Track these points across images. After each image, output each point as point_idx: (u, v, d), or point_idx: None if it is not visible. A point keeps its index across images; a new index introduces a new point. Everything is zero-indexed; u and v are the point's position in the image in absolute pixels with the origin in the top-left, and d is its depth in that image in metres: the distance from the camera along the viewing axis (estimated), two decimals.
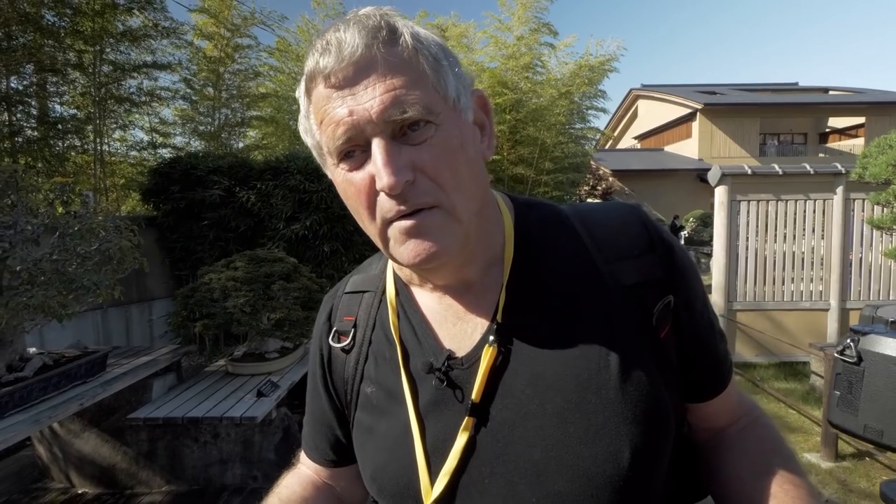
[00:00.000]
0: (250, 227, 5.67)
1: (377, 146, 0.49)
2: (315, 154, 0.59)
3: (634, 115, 30.25)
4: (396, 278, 0.69)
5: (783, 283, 6.17)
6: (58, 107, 6.23)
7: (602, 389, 0.55)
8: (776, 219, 6.12)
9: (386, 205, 0.51)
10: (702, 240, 16.09)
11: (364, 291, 0.72)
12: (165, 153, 7.72)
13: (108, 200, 6.62)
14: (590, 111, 10.32)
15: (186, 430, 3.25)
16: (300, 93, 0.55)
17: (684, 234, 17.05)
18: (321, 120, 0.52)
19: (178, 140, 7.90)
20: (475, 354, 0.58)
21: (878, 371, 0.49)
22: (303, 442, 0.80)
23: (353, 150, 0.52)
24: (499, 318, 0.59)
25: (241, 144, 8.97)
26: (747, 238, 6.16)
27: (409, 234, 0.52)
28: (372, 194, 0.52)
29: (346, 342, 0.69)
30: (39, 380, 2.65)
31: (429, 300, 0.65)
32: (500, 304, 0.59)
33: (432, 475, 0.58)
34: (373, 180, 0.51)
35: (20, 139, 5.66)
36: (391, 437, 0.63)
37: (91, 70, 6.28)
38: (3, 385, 2.50)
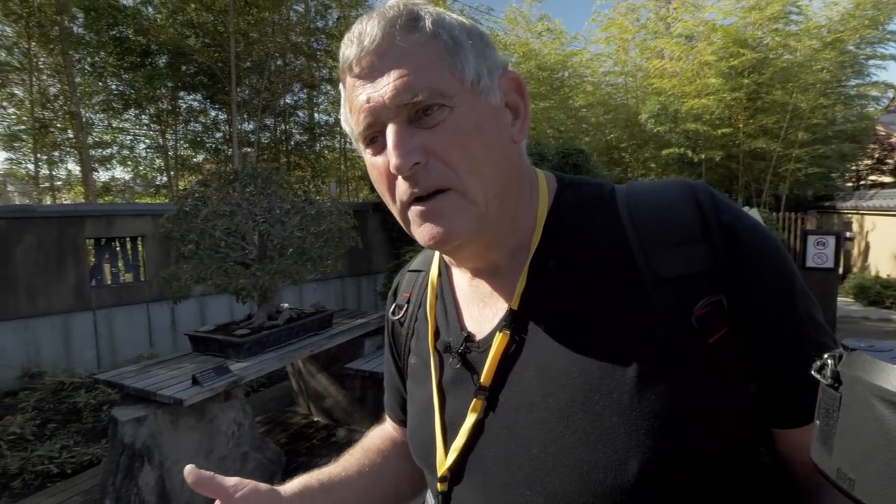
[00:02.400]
0: None
1: (389, 130, 0.51)
2: (353, 141, 0.63)
3: None
4: (441, 259, 0.71)
5: None
6: (316, 115, 7.83)
7: (613, 392, 0.49)
8: None
9: (401, 187, 0.53)
10: None
11: (420, 270, 0.76)
12: None
13: (348, 190, 8.06)
14: (872, 61, 7.91)
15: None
16: (341, 84, 0.60)
17: None
18: (350, 108, 0.55)
19: None
20: (490, 339, 0.58)
21: (857, 400, 0.32)
22: (384, 401, 0.89)
23: (376, 136, 0.54)
24: (514, 304, 0.57)
25: None
26: None
27: (423, 217, 0.53)
28: (391, 178, 0.54)
29: (399, 315, 0.75)
30: (287, 328, 3.45)
31: (462, 281, 0.66)
32: (518, 290, 0.57)
33: (447, 448, 0.60)
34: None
35: (292, 143, 7.31)
36: (421, 406, 0.66)
37: (337, 82, 7.67)
38: (265, 329, 3.34)
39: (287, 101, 7.42)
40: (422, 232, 0.54)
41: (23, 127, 6.62)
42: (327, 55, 7.96)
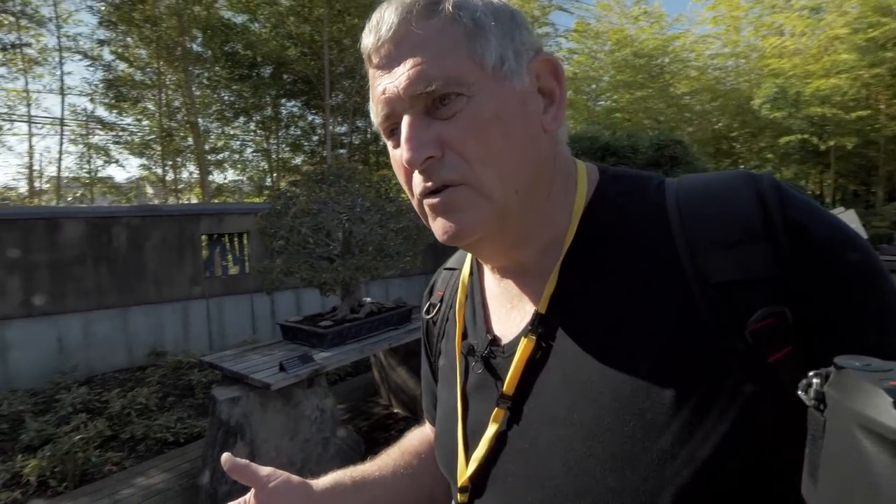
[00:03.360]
0: None
1: (403, 122, 0.49)
2: (378, 132, 0.60)
3: None
4: (473, 257, 0.67)
5: None
6: None
7: (647, 412, 0.43)
8: None
9: (416, 180, 0.51)
10: None
11: (455, 268, 0.73)
12: None
13: None
14: None
15: None
16: None
17: None
18: (372, 98, 0.53)
19: None
20: (515, 344, 0.54)
21: (839, 427, 0.22)
22: (422, 402, 0.87)
23: (395, 127, 0.51)
24: (542, 307, 0.52)
25: None
26: None
27: (437, 211, 0.50)
28: (408, 170, 0.51)
29: (432, 315, 0.72)
30: (368, 321, 3.58)
31: (491, 282, 0.62)
32: (547, 292, 0.52)
33: (468, 457, 0.56)
34: None
35: (380, 143, 7.61)
36: (446, 411, 0.63)
37: None
38: (347, 321, 3.50)
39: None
40: (436, 226, 0.51)
41: (153, 136, 7.64)
42: None
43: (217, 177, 8.72)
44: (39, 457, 3.24)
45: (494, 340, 0.57)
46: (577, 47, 10.09)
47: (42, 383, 4.52)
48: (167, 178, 8.30)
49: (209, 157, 8.14)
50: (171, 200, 8.41)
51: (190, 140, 7.89)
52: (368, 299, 3.97)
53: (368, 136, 9.38)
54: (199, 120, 7.69)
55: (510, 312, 0.58)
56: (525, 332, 0.52)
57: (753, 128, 11.97)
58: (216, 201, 7.76)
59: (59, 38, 7.48)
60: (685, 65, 12.33)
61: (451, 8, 0.48)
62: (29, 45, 7.46)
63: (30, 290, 4.68)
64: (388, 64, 0.49)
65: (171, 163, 8.11)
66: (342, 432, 3.37)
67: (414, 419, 4.10)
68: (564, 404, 0.48)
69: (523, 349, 0.52)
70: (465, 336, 0.63)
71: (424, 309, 0.75)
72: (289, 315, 5.73)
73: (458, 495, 0.57)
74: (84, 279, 4.98)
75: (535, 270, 0.54)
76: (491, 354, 0.57)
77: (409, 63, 0.47)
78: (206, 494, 2.77)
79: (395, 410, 4.34)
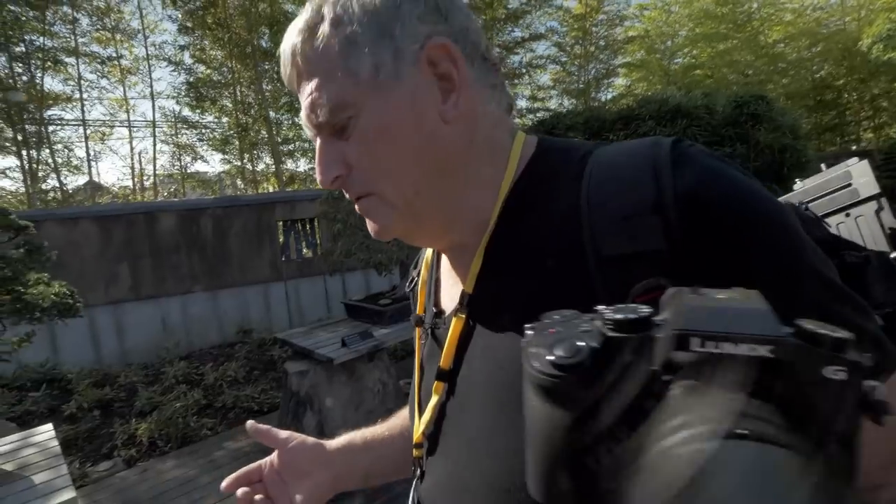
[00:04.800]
0: None
1: (316, 145, 0.53)
2: None
3: None
4: None
5: None
6: None
7: None
8: None
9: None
10: None
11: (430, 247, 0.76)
12: (541, 116, 8.70)
13: None
14: None
15: None
16: None
17: None
18: None
19: (553, 102, 8.84)
20: (450, 319, 0.57)
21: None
22: None
23: None
24: (468, 287, 0.54)
25: (608, 96, 9.10)
26: None
27: (362, 213, 0.56)
28: None
29: (410, 287, 0.76)
30: None
31: (444, 259, 0.65)
32: (472, 272, 0.54)
33: (420, 418, 0.61)
34: None
35: None
36: (412, 377, 0.68)
37: None
38: (407, 299, 3.62)
39: None
40: (367, 225, 0.57)
41: (231, 132, 8.25)
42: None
43: (289, 165, 9.27)
44: (149, 421, 3.73)
45: (439, 313, 0.61)
46: (649, 2, 9.34)
47: (150, 358, 5.15)
48: (246, 169, 8.95)
49: (282, 148, 8.65)
50: (250, 191, 9.07)
51: (264, 133, 8.42)
52: None
53: None
54: (271, 113, 8.17)
55: (454, 287, 0.60)
56: (455, 311, 0.55)
57: (863, 73, 10.48)
58: (289, 189, 8.27)
59: (146, 47, 8.27)
60: (778, 8, 10.99)
61: (327, 28, 0.48)
62: (123, 56, 8.30)
63: (137, 276, 5.31)
64: (297, 89, 0.53)
65: (248, 155, 8.72)
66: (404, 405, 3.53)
67: None
68: (483, 375, 0.51)
69: (454, 327, 0.55)
70: (424, 308, 0.66)
71: (408, 281, 0.79)
72: (358, 293, 6.02)
73: (414, 450, 0.62)
74: (180, 266, 5.56)
75: (471, 248, 0.56)
76: (435, 326, 0.60)
77: (305, 92, 0.51)
78: None
79: None
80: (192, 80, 7.88)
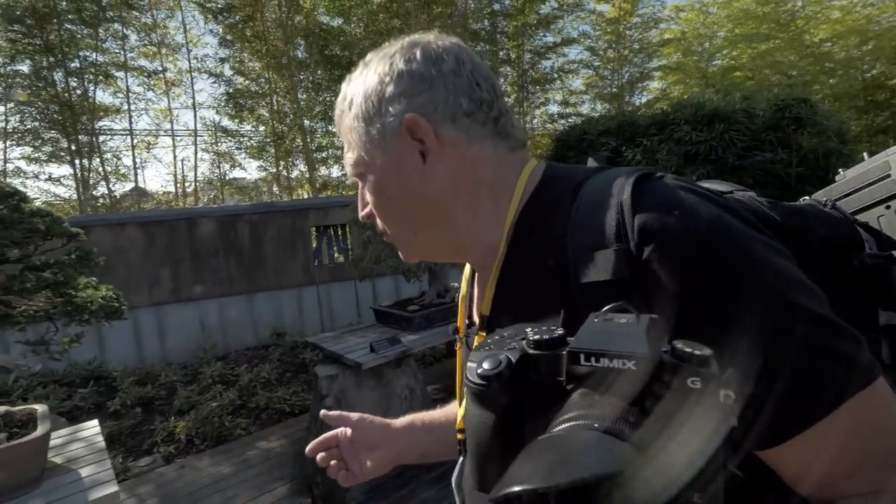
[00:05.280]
0: None
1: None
2: None
3: None
4: None
5: None
6: None
7: None
8: None
9: None
10: None
11: None
12: (573, 121, 8.61)
13: None
14: None
15: None
16: None
17: None
18: None
19: (586, 107, 8.76)
20: (475, 334, 0.65)
21: None
22: None
23: None
24: (485, 309, 0.61)
25: (642, 99, 8.95)
26: None
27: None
28: None
29: (455, 296, 0.83)
30: (453, 305, 3.68)
31: (477, 274, 0.73)
32: (488, 294, 0.61)
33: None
34: None
35: None
36: (453, 377, 0.78)
37: (516, 61, 7.73)
38: (433, 306, 3.64)
39: None
40: None
41: (268, 140, 8.52)
42: (506, 37, 8.05)
43: (322, 172, 9.50)
44: (187, 419, 3.87)
45: (472, 325, 0.69)
46: (685, 3, 9.11)
47: (189, 358, 5.35)
48: (281, 176, 9.20)
49: (315, 155, 8.87)
50: (285, 197, 9.32)
51: (298, 141, 8.65)
52: (455, 284, 4.07)
53: None
54: (306, 121, 8.40)
55: (480, 301, 0.67)
56: (476, 330, 0.63)
57: None
58: (322, 196, 8.47)
59: (189, 60, 8.66)
60: (824, 6, 10.52)
61: (345, 108, 0.64)
62: (168, 69, 8.70)
63: (178, 279, 5.54)
64: None
65: (283, 163, 8.98)
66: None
67: None
68: None
69: (475, 344, 0.59)
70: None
71: (454, 289, 0.86)
72: (388, 298, 6.09)
73: (458, 434, 0.68)
74: (218, 270, 5.76)
75: (490, 267, 0.63)
76: (468, 336, 0.69)
77: (343, 153, 0.67)
78: (311, 460, 3.10)
79: None
80: (231, 90, 8.21)
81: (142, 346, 5.33)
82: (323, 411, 0.85)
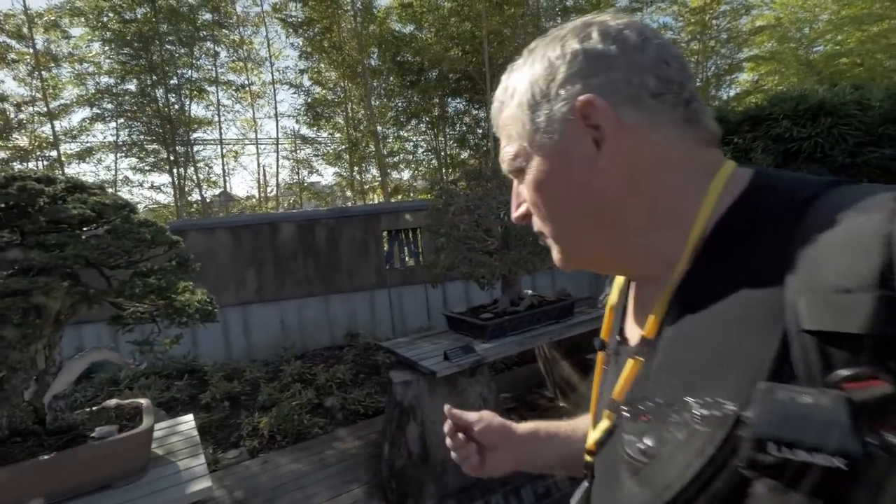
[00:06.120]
0: None
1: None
2: None
3: None
4: None
5: None
6: None
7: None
8: None
9: None
10: None
11: None
12: None
13: None
14: None
15: None
16: None
17: None
18: None
19: None
20: (627, 355, 0.57)
21: None
22: None
23: None
24: (648, 332, 0.53)
25: (730, 93, 8.25)
26: None
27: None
28: None
29: (605, 301, 0.76)
30: (528, 314, 3.59)
31: (633, 285, 0.65)
32: (656, 315, 0.52)
33: (595, 427, 0.63)
34: None
35: None
36: (587, 389, 0.69)
37: None
38: (507, 314, 3.56)
39: None
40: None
41: (343, 147, 8.86)
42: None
43: (394, 176, 9.73)
44: (269, 416, 4.07)
45: (624, 341, 0.62)
46: None
47: (271, 356, 5.64)
48: (355, 181, 9.53)
49: (388, 160, 9.09)
50: (358, 201, 9.63)
51: (371, 146, 8.91)
52: (529, 292, 3.97)
53: None
54: (378, 127, 8.63)
55: (638, 317, 0.60)
56: (633, 352, 0.55)
57: None
58: (394, 200, 8.66)
59: (272, 73, 9.24)
60: None
61: (507, 99, 0.59)
62: (253, 83, 9.31)
63: (261, 280, 5.87)
64: None
65: (357, 168, 9.29)
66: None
67: (577, 413, 3.99)
68: None
69: (630, 368, 0.55)
70: (611, 330, 0.68)
71: (603, 293, 0.78)
72: (458, 304, 6.08)
73: (587, 456, 0.64)
74: (297, 272, 6.04)
75: (660, 283, 0.54)
76: (617, 353, 0.62)
77: (500, 147, 0.61)
78: (386, 464, 3.13)
79: (562, 404, 4.27)
80: (309, 100, 8.62)
81: (230, 343, 5.70)
82: (447, 406, 0.85)
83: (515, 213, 0.62)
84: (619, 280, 0.69)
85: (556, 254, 0.60)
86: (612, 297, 0.68)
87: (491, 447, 0.81)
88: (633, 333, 0.60)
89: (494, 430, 0.81)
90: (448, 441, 0.83)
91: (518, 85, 0.57)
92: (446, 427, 0.83)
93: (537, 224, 0.60)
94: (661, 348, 0.50)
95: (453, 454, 0.83)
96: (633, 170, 0.51)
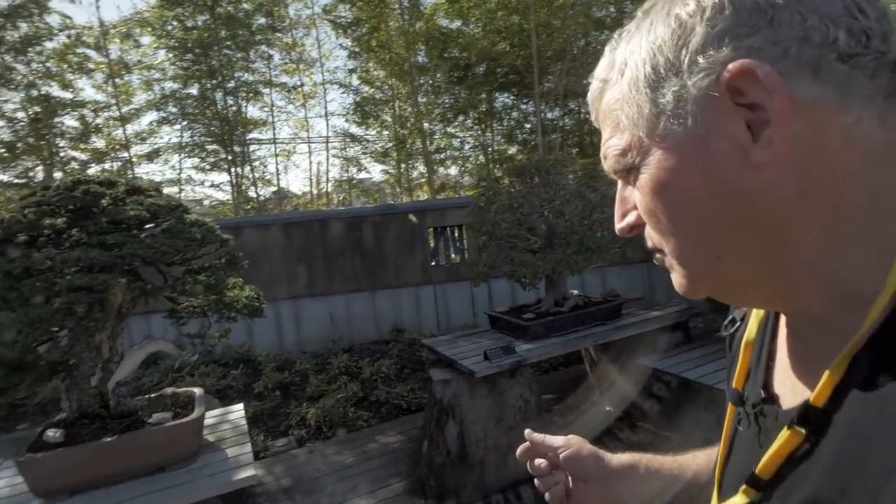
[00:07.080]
0: None
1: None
2: None
3: None
4: None
5: None
6: None
7: None
8: None
9: None
10: None
11: None
12: None
13: None
14: None
15: (683, 388, 3.38)
16: None
17: None
18: None
19: None
20: (786, 418, 0.43)
21: None
22: None
23: None
24: (816, 398, 0.38)
25: None
26: None
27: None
28: None
29: (731, 332, 0.62)
30: (572, 315, 3.50)
31: (783, 322, 0.50)
32: (831, 377, 0.37)
33: (720, 500, 0.51)
34: None
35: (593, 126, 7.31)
36: (716, 444, 0.58)
37: None
38: (550, 315, 3.49)
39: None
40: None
41: (390, 144, 9.01)
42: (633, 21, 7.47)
43: (441, 173, 9.78)
44: (317, 407, 4.21)
45: (770, 399, 0.48)
46: None
47: (319, 348, 5.83)
48: (402, 178, 9.65)
49: (434, 157, 9.14)
50: (405, 198, 9.76)
51: (418, 143, 8.99)
52: (575, 292, 3.86)
53: (582, 116, 9.09)
54: (425, 124, 8.70)
55: (797, 369, 0.46)
56: (791, 419, 0.40)
57: None
58: (439, 197, 8.69)
59: (322, 73, 9.53)
60: None
61: (614, 76, 0.46)
62: (304, 84, 9.63)
63: (311, 275, 6.07)
64: None
65: (404, 165, 9.40)
66: (545, 424, 3.39)
67: (622, 418, 3.85)
68: (827, 494, 0.37)
69: (784, 439, 0.41)
70: (747, 376, 0.53)
71: (726, 321, 0.64)
72: (503, 301, 6.03)
73: None
74: (345, 267, 6.20)
75: (832, 327, 0.40)
76: (761, 413, 0.48)
77: (603, 140, 0.49)
78: (425, 461, 3.15)
79: (608, 408, 4.14)
80: (358, 99, 8.82)
81: (282, 334, 5.95)
82: (528, 431, 0.76)
83: (621, 224, 0.49)
84: (758, 312, 0.54)
85: (678, 277, 0.46)
86: (750, 330, 0.53)
87: (577, 478, 0.71)
88: (786, 391, 0.47)
89: (584, 458, 0.71)
90: (528, 467, 0.73)
91: (630, 57, 0.43)
92: (519, 451, 0.74)
93: (653, 238, 0.47)
94: (839, 424, 0.37)
95: (536, 482, 0.73)
96: (806, 165, 0.36)
